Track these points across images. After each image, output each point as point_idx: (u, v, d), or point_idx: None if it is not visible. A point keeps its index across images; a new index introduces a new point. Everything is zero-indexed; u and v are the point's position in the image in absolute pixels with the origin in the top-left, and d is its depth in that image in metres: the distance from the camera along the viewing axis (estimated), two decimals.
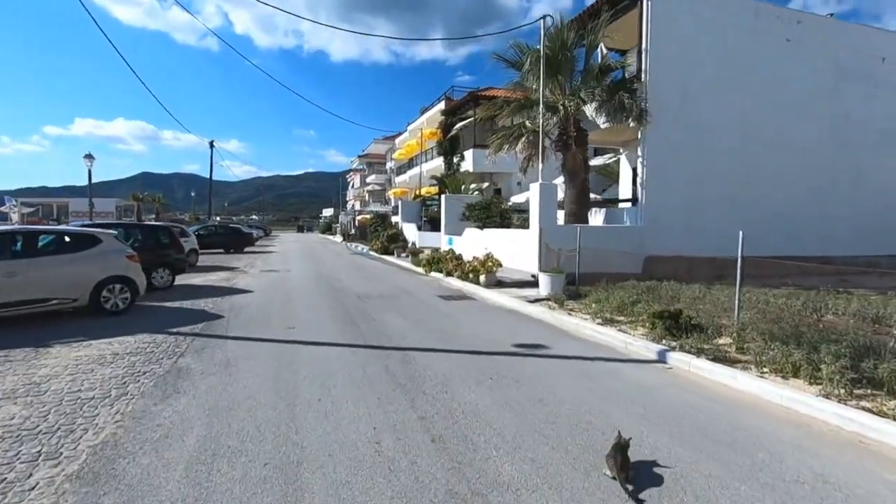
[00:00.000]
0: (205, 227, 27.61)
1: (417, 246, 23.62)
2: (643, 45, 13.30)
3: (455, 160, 27.15)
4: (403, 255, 22.41)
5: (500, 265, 12.19)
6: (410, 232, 26.16)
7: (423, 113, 35.39)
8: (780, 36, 14.98)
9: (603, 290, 9.93)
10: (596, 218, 15.42)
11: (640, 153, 13.66)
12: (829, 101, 15.85)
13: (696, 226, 14.11)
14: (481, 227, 16.82)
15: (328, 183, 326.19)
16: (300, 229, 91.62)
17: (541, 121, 12.91)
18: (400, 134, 42.60)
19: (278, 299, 10.48)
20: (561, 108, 13.39)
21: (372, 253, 25.60)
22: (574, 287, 10.68)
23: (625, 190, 16.83)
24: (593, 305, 8.96)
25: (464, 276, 13.31)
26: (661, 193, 13.69)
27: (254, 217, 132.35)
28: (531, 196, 12.76)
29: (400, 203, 27.72)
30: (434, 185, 31.55)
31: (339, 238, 47.69)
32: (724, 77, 14.27)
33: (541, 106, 12.86)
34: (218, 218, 78.90)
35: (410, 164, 37.51)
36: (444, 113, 28.19)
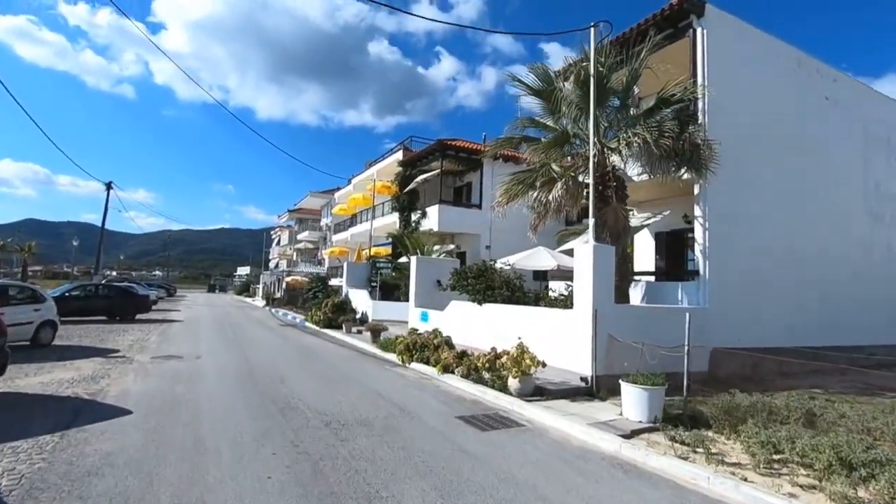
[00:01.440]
0: (81, 286, 20.95)
1: (372, 319, 18.93)
2: (699, 79, 10.59)
3: (414, 217, 23.32)
4: (355, 329, 17.57)
5: (543, 364, 8.07)
6: (361, 300, 21.43)
7: (370, 165, 31.71)
8: (820, 92, 13.18)
9: (733, 407, 6.22)
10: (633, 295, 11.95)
11: (699, 212, 10.57)
12: (863, 169, 14.17)
13: (755, 309, 11.09)
14: (478, 302, 12.73)
15: (244, 240, 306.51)
16: (212, 289, 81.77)
17: (591, 161, 9.48)
18: (339, 188, 38.44)
19: (175, 444, 5.44)
20: (597, 148, 10.11)
21: (309, 325, 20.38)
22: (688, 407, 6.76)
23: (648, 260, 13.76)
24: (752, 447, 5.09)
25: (473, 376, 9.03)
26: (724, 267, 10.58)
27: (157, 273, 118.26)
28: (578, 263, 9.00)
29: (346, 265, 23.10)
30: (387, 244, 27.34)
31: (260, 301, 41.12)
32: (772, 130, 11.94)
33: (591, 140, 9.50)
34: (113, 272, 67.77)
35: (353, 220, 33.15)
36: (402, 164, 24.63)
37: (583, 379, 8.47)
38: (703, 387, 8.45)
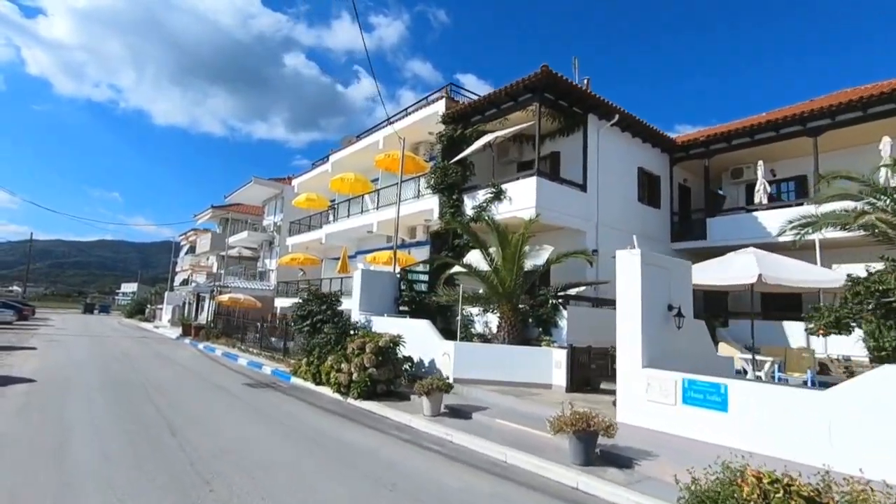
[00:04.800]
0: None
1: (453, 377, 9.61)
2: None
3: (475, 200, 14.39)
4: (441, 412, 8.20)
5: None
6: (415, 340, 11.62)
7: (358, 138, 22.12)
8: None
9: None
10: None
11: None
12: None
13: None
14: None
15: (130, 254, 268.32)
16: (89, 309, 64.28)
17: None
18: (293, 176, 28.11)
19: None
20: None
21: (302, 383, 10.53)
22: None
23: None
24: None
25: None
26: None
27: (15, 288, 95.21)
28: None
29: (359, 277, 13.32)
30: (413, 245, 17.92)
31: (170, 330, 28.82)
32: None
33: None
34: None
35: (329, 215, 23.14)
36: (448, 118, 15.63)
37: None
38: None
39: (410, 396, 9.36)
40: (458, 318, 13.30)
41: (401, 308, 14.04)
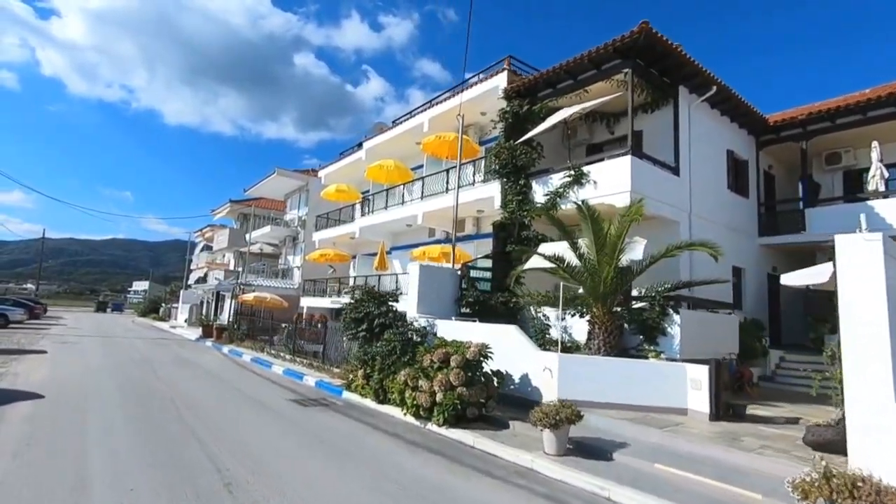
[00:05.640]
0: None
1: (556, 398, 7.60)
2: None
3: (548, 187, 12.46)
4: (567, 448, 6.23)
5: None
6: (503, 348, 9.61)
7: (394, 124, 20.28)
8: None
9: None
10: None
11: None
12: None
13: None
14: None
15: (141, 253, 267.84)
16: (101, 307, 63.13)
17: None
18: (323, 166, 26.16)
19: None
20: None
21: (368, 404, 8.69)
22: None
23: None
24: None
25: None
26: None
27: (28, 286, 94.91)
28: None
29: (416, 273, 11.44)
30: (472, 239, 16.03)
31: (189, 330, 27.15)
32: None
33: None
34: None
35: (366, 206, 21.35)
36: (511, 93, 13.69)
37: None
38: None
39: (508, 422, 7.46)
40: (532, 322, 11.45)
41: (462, 310, 12.15)
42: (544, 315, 11.43)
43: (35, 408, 7.57)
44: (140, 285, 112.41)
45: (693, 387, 7.47)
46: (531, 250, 11.37)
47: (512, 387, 8.60)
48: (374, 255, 20.61)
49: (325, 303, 21.66)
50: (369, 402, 9.14)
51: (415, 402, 7.64)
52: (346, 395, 9.97)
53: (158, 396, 9.00)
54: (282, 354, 16.24)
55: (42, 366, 11.95)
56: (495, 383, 8.03)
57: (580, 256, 9.81)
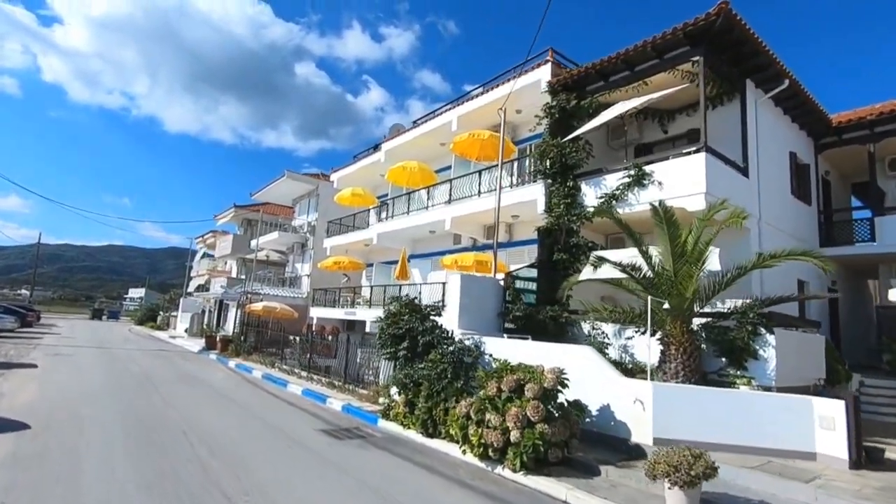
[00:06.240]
0: None
1: (652, 440, 6.22)
2: None
3: (592, 189, 11.21)
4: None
5: None
6: (583, 372, 8.16)
7: (415, 124, 19.04)
8: None
9: None
10: None
11: None
12: None
13: None
14: None
15: (138, 259, 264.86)
16: (97, 314, 61.33)
17: None
18: (336, 169, 24.72)
19: None
20: None
21: (413, 437, 7.30)
22: None
23: None
24: None
25: None
26: None
27: (23, 292, 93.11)
28: None
29: (456, 283, 10.10)
30: (516, 246, 14.69)
31: (190, 341, 25.60)
32: None
33: None
34: None
35: (383, 210, 20.08)
36: (557, 87, 12.49)
37: None
38: None
39: (598, 467, 6.10)
40: (587, 340, 10.11)
41: (503, 318, 10.83)
42: (602, 332, 10.11)
43: (17, 442, 6.18)
44: (136, 292, 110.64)
45: (823, 426, 6.13)
46: (586, 259, 10.14)
47: (588, 420, 7.23)
48: (392, 263, 19.32)
49: (338, 314, 20.27)
50: (413, 435, 7.77)
51: (482, 441, 6.28)
52: (383, 423, 8.60)
53: (167, 427, 7.61)
54: (295, 371, 14.81)
55: (30, 383, 10.53)
56: (575, 417, 6.66)
57: (652, 266, 8.53)
